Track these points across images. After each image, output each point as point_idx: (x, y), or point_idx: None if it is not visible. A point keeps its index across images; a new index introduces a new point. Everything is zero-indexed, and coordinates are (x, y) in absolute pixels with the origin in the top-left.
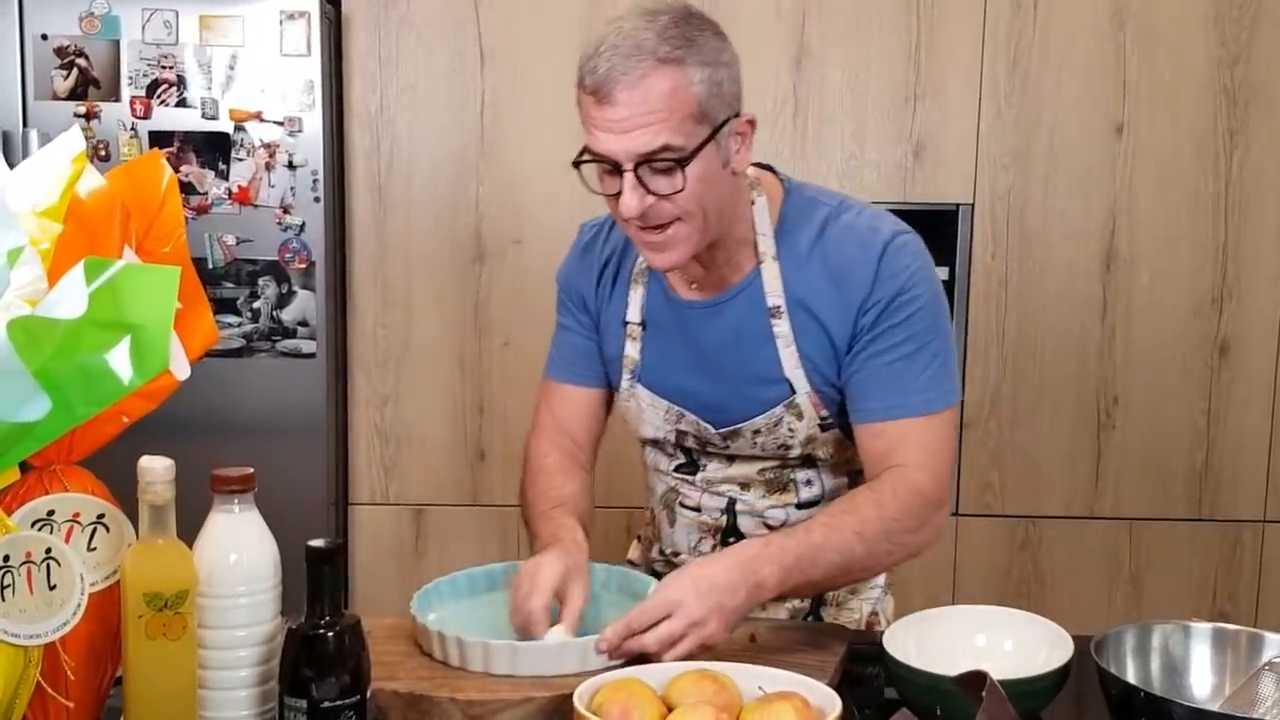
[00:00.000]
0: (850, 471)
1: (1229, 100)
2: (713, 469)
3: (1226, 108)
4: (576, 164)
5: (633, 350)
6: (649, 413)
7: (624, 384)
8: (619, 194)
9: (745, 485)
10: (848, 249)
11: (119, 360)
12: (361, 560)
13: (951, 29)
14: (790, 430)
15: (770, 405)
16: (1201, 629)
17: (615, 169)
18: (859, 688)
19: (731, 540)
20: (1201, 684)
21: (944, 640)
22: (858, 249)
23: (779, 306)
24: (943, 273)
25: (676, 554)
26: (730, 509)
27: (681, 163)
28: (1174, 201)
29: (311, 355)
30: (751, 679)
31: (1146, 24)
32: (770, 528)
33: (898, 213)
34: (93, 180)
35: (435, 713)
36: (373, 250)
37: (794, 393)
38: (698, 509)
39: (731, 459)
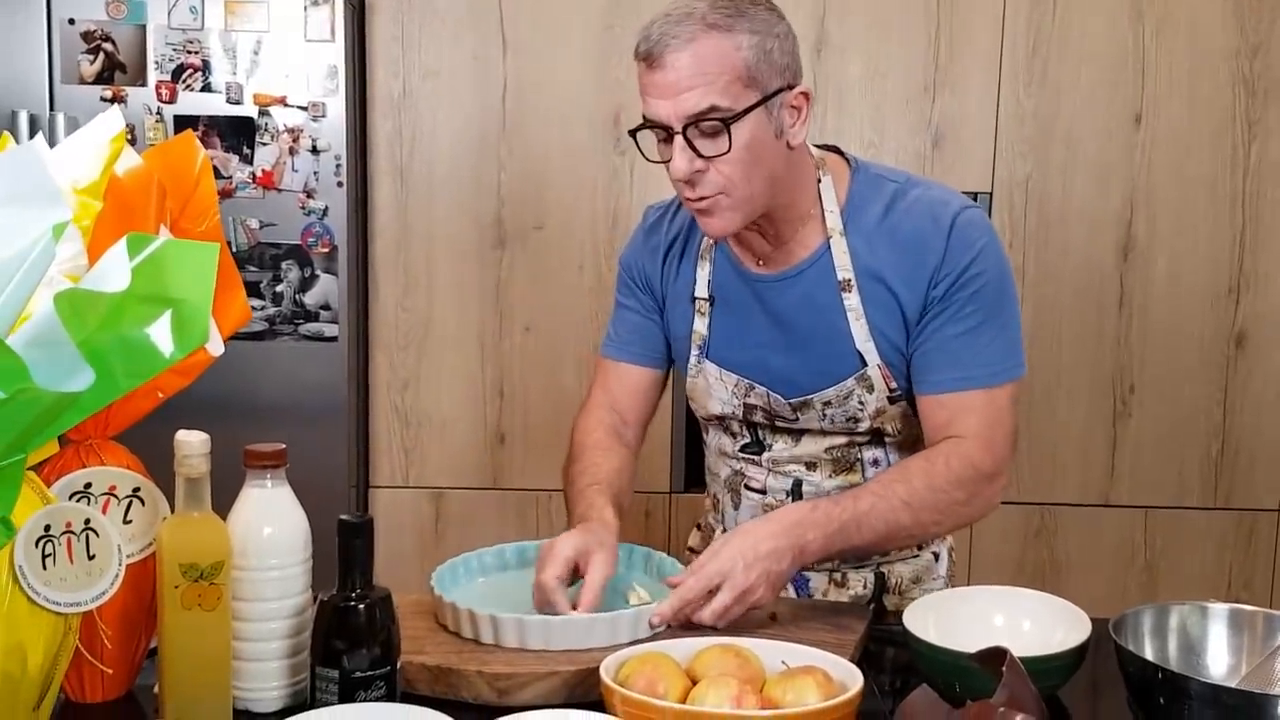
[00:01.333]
0: (917, 450)
1: (1247, 90)
2: (779, 448)
3: (1245, 98)
4: (633, 132)
5: (701, 325)
6: (717, 387)
7: (692, 359)
8: (671, 160)
9: (812, 465)
10: (918, 221)
11: (160, 334)
12: (382, 543)
13: (971, 18)
14: (860, 403)
15: (842, 378)
16: (1218, 610)
17: (668, 135)
18: (880, 664)
19: None
20: (1218, 664)
21: (963, 620)
22: (928, 221)
23: (849, 280)
24: None
25: None
26: (796, 490)
27: (728, 123)
28: (1191, 191)
29: (334, 339)
30: (774, 654)
31: (1165, 13)
32: None
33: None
34: (130, 160)
35: (463, 685)
36: (394, 235)
37: (865, 365)
38: (763, 491)
39: (798, 436)
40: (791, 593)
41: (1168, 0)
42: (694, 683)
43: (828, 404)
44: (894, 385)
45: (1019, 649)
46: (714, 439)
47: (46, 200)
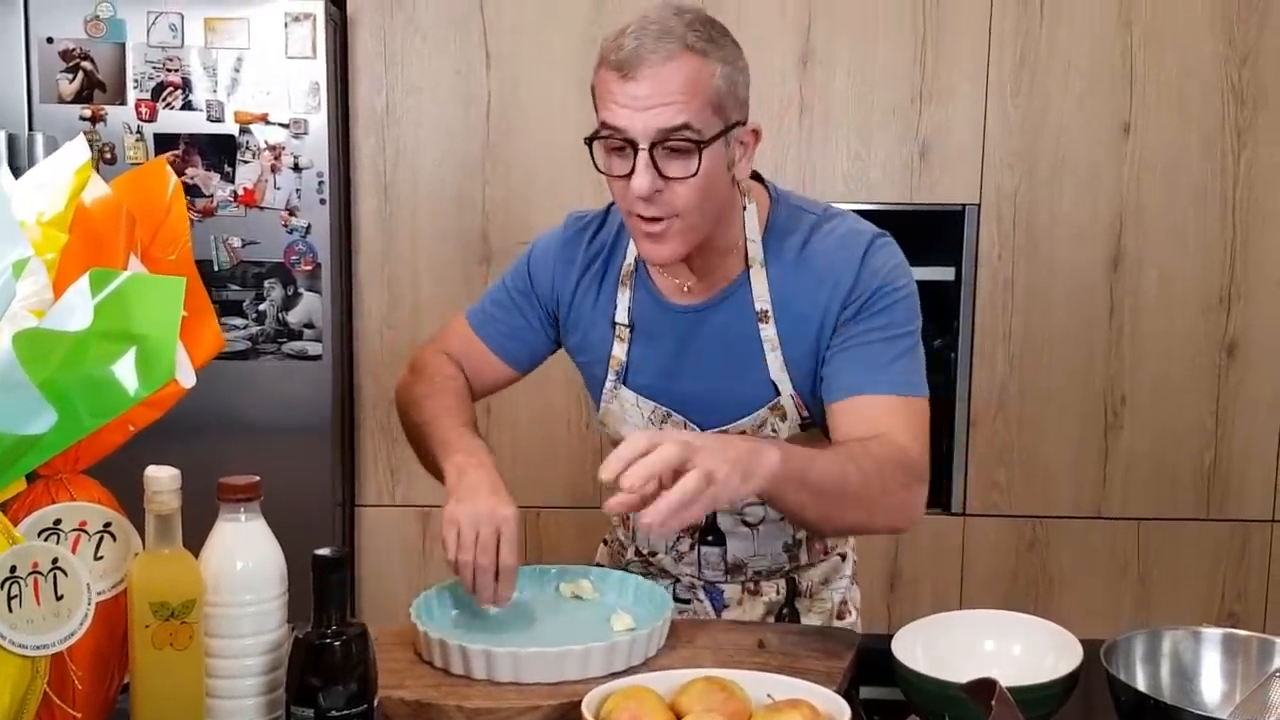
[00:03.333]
0: None
1: (1236, 99)
2: None
3: (1234, 107)
4: (589, 140)
5: (620, 351)
6: (632, 413)
7: (608, 384)
8: (628, 175)
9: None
10: (832, 252)
11: (125, 371)
12: (369, 562)
13: (957, 29)
14: (774, 430)
15: (756, 407)
16: (1212, 635)
17: (629, 147)
18: (867, 691)
19: (710, 539)
20: (1212, 690)
21: (952, 645)
22: (842, 251)
23: (766, 311)
24: (948, 273)
25: (654, 554)
26: (710, 515)
27: (699, 146)
28: (1181, 201)
29: (318, 357)
30: (760, 686)
31: (1153, 23)
32: (748, 525)
33: (904, 214)
34: (98, 189)
35: None
36: (378, 252)
37: (778, 395)
38: None
39: None
40: (707, 605)
41: (1156, 9)
42: (678, 717)
43: (742, 433)
44: (805, 414)
45: (1009, 676)
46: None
47: (5, 237)
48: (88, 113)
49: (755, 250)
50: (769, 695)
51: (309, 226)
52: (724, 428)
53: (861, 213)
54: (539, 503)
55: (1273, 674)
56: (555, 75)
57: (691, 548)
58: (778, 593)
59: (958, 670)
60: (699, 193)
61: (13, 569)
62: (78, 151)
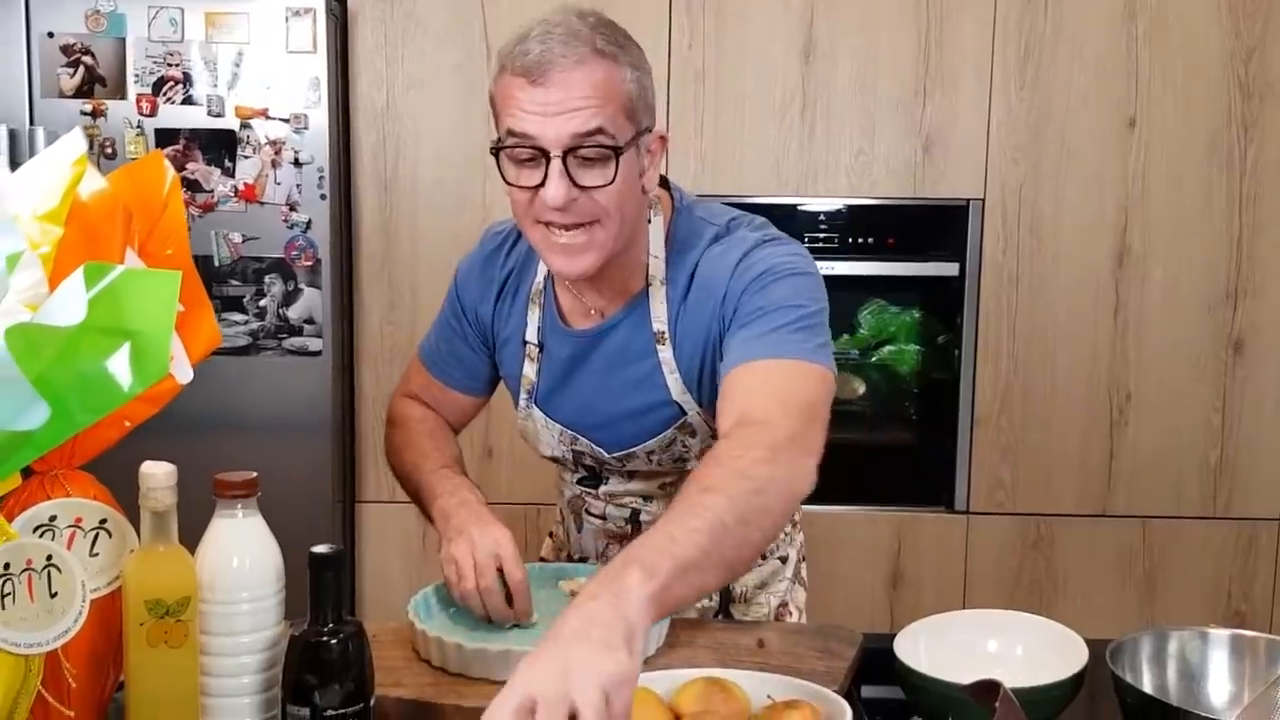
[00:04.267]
0: None
1: (1242, 93)
2: (614, 483)
3: (1240, 100)
4: (495, 150)
5: (530, 371)
6: (544, 434)
7: (522, 403)
8: (538, 186)
9: (647, 497)
10: (714, 267)
11: (119, 367)
12: (369, 558)
13: (962, 22)
14: (684, 446)
15: (662, 428)
16: (1219, 635)
17: (540, 156)
18: (869, 692)
19: None
20: (1219, 692)
21: (955, 646)
22: (720, 262)
23: (663, 332)
24: (952, 269)
25: (585, 558)
26: (634, 518)
27: (616, 152)
28: (1187, 196)
29: (318, 353)
30: (760, 686)
31: (1159, 16)
32: None
33: (907, 208)
34: (94, 182)
35: None
36: (379, 247)
37: (685, 414)
38: (603, 517)
39: (631, 475)
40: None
41: (1161, 2)
42: (678, 718)
43: (651, 453)
44: (714, 426)
45: (1013, 676)
46: (555, 466)
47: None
48: (88, 107)
49: (656, 267)
50: (769, 696)
51: (309, 222)
52: (631, 449)
53: (865, 208)
54: (536, 499)
55: None
56: None
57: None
58: (710, 599)
59: (960, 671)
60: (616, 199)
61: (6, 566)
62: (74, 144)
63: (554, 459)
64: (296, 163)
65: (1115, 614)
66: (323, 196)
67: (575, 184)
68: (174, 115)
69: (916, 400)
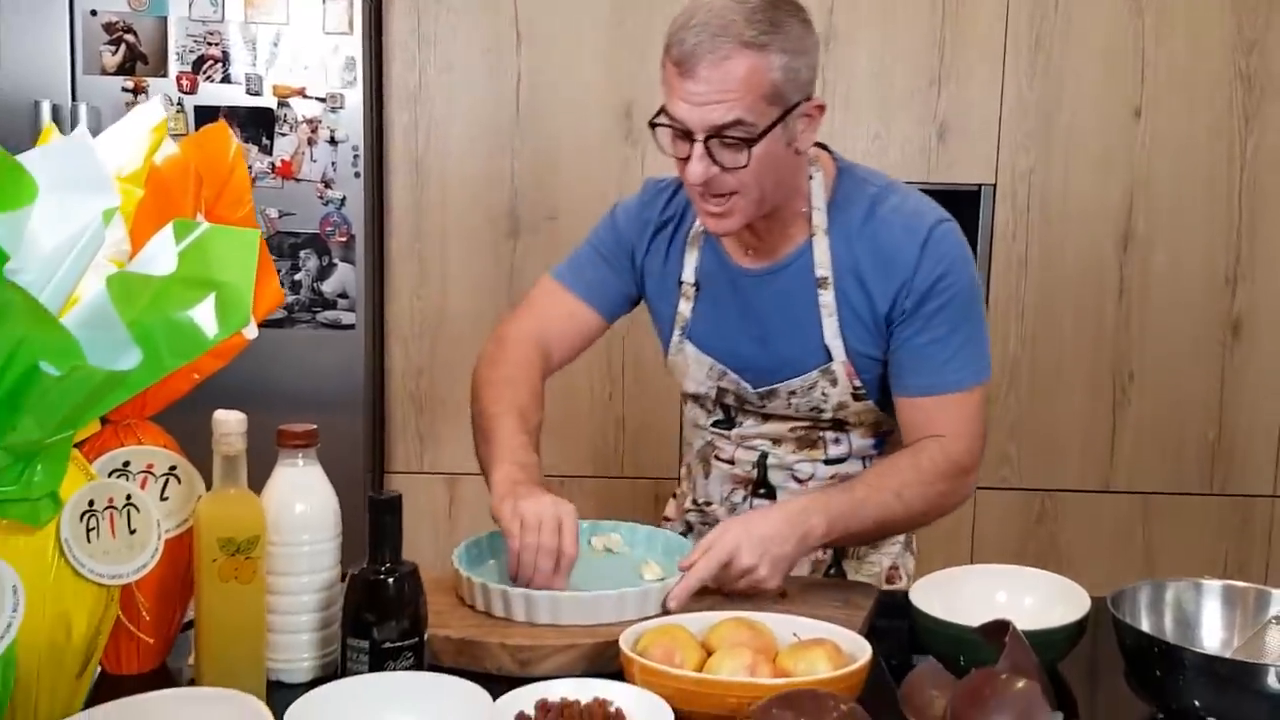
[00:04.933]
0: (879, 434)
1: (1245, 85)
2: (748, 425)
3: (1242, 92)
4: (653, 125)
5: (685, 309)
6: (694, 368)
7: (674, 339)
8: (687, 159)
9: (777, 441)
10: (894, 232)
11: (204, 315)
12: None
13: (975, 14)
14: (824, 394)
15: (807, 370)
16: (1212, 586)
17: (687, 136)
18: (886, 640)
19: (762, 492)
20: (1212, 638)
21: (967, 597)
22: (904, 233)
23: (826, 278)
24: None
25: (709, 504)
26: (762, 463)
27: (749, 142)
28: (1190, 183)
29: (351, 326)
30: (786, 627)
31: (1165, 9)
32: (799, 480)
33: (922, 192)
34: (167, 149)
35: (486, 657)
36: (410, 225)
37: (830, 360)
38: (731, 462)
39: (766, 418)
40: None
41: None
42: (709, 654)
43: (793, 393)
44: (857, 383)
45: (1020, 623)
46: (690, 412)
47: (96, 187)
48: (130, 85)
49: (819, 219)
50: (794, 634)
51: (344, 199)
52: (774, 387)
53: None
54: (563, 472)
55: (1269, 620)
56: (584, 54)
57: (745, 500)
58: (825, 552)
59: (972, 619)
60: (755, 176)
61: (90, 503)
62: (153, 112)
63: (695, 397)
64: (332, 141)
65: (1115, 586)
66: (357, 175)
67: (715, 162)
68: (213, 93)
69: None
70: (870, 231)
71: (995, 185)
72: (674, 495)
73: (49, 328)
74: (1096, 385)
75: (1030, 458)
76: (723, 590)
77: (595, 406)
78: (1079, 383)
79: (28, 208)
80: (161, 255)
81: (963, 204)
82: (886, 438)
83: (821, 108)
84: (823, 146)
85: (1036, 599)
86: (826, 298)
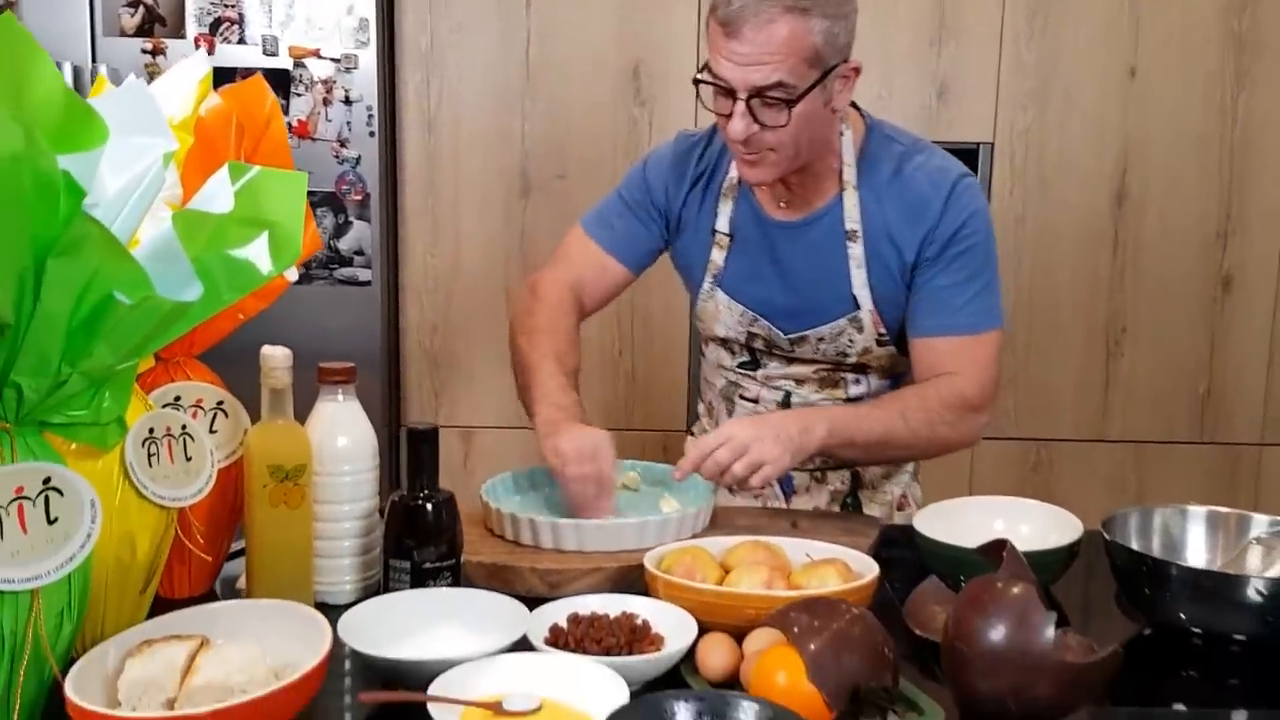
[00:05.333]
0: (895, 376)
1: (1236, 45)
2: (773, 367)
3: (1234, 52)
4: (697, 82)
5: (718, 257)
6: (725, 314)
7: (705, 286)
8: (729, 115)
9: (800, 381)
10: (921, 186)
11: (259, 253)
12: None
13: None
14: (850, 340)
15: (836, 317)
16: (1198, 511)
17: (730, 94)
18: (890, 568)
19: None
20: (1196, 558)
21: (966, 525)
22: (930, 187)
23: (855, 231)
24: None
25: None
26: (786, 402)
27: (790, 102)
28: (1183, 142)
29: (367, 283)
30: (799, 549)
31: None
32: None
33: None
34: (210, 100)
35: (517, 580)
36: (423, 184)
37: (858, 308)
38: (756, 400)
39: (790, 360)
40: (777, 488)
41: None
42: (727, 573)
43: (821, 339)
44: (882, 331)
45: (1017, 547)
46: (713, 354)
47: (156, 131)
48: (149, 46)
49: (850, 174)
50: (807, 555)
51: (359, 158)
52: (804, 333)
53: None
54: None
55: (1249, 541)
56: (593, 15)
57: None
58: (842, 483)
59: (971, 544)
60: (791, 135)
61: (151, 431)
62: (200, 64)
63: (724, 340)
64: (347, 101)
65: None
66: (371, 134)
67: (756, 120)
68: (230, 54)
69: None
70: (898, 187)
71: (993, 144)
72: (691, 433)
73: (122, 259)
74: (1091, 338)
75: (1026, 409)
76: (727, 482)
77: (605, 361)
78: (1074, 336)
79: (100, 149)
80: (220, 195)
81: (962, 162)
82: (900, 380)
83: (858, 70)
84: (853, 105)
85: (1032, 527)
86: (855, 250)
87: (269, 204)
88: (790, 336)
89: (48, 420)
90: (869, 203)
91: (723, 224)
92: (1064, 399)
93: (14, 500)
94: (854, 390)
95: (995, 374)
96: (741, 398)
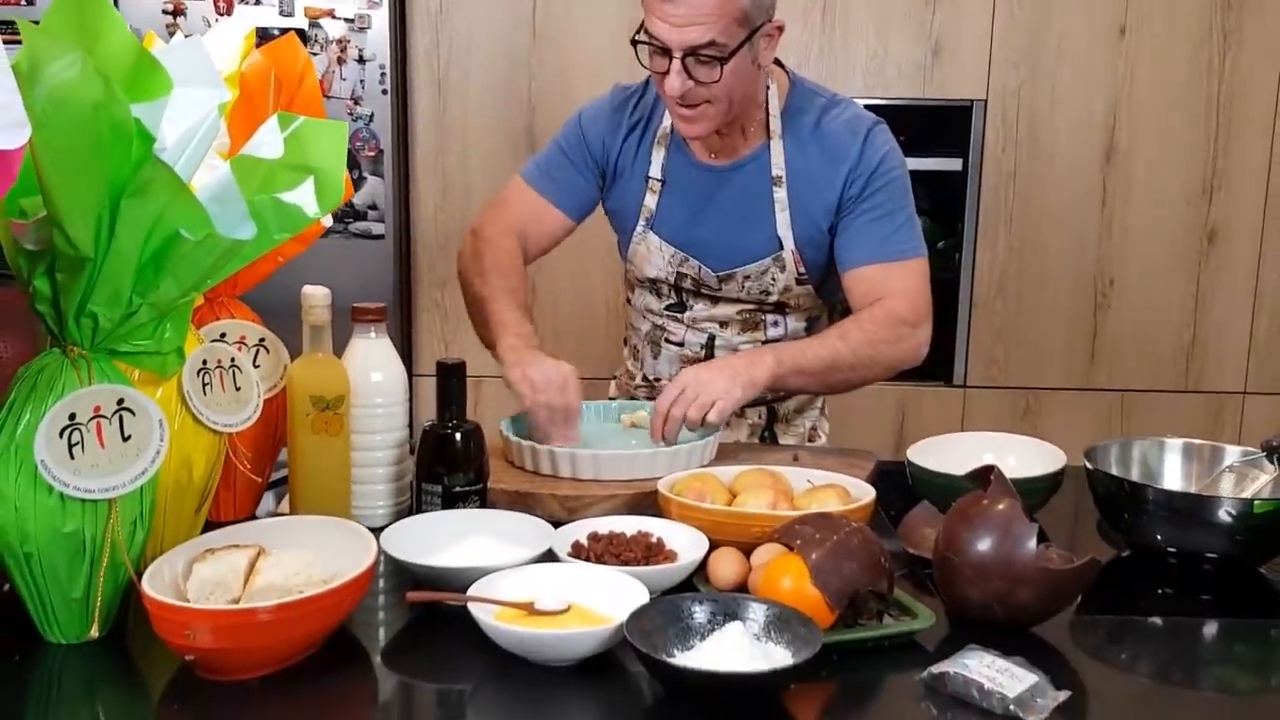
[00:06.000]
0: (810, 320)
1: (1224, 4)
2: (699, 309)
3: (1221, 11)
4: (634, 42)
5: (650, 201)
6: (656, 256)
7: (638, 229)
8: (665, 73)
9: (724, 324)
10: (840, 133)
11: (305, 196)
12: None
13: None
14: (773, 279)
15: (761, 257)
16: (1174, 443)
17: (665, 53)
18: (885, 499)
19: None
20: (1173, 484)
21: (956, 456)
22: (848, 133)
23: (780, 177)
24: (956, 164)
25: (658, 379)
26: (710, 344)
27: (722, 60)
28: (1170, 99)
29: (381, 236)
30: (801, 476)
31: None
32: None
33: (917, 109)
34: (253, 57)
35: (538, 505)
36: (433, 142)
37: (781, 248)
38: (681, 344)
39: (715, 302)
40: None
41: None
42: (734, 497)
43: (747, 277)
44: (802, 270)
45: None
46: (640, 299)
47: (211, 83)
48: (170, 7)
49: (775, 124)
50: (808, 481)
51: (372, 115)
52: (732, 271)
53: (877, 107)
54: (586, 375)
55: (1223, 469)
56: None
57: None
58: (759, 417)
59: (961, 473)
60: (724, 89)
61: (204, 362)
62: (244, 22)
63: (653, 283)
64: (360, 60)
65: None
66: (384, 92)
67: (691, 77)
68: (249, 15)
69: None
70: (819, 136)
71: (986, 101)
72: (614, 378)
73: (187, 200)
74: (1079, 290)
75: (1016, 358)
76: (691, 428)
77: (610, 315)
78: (1063, 288)
79: (165, 98)
80: (270, 142)
81: (955, 119)
82: (815, 324)
83: (781, 28)
84: (778, 62)
85: (1019, 459)
86: (780, 194)
87: (314, 151)
88: (719, 274)
89: (116, 349)
90: (793, 151)
91: (656, 170)
92: (1053, 349)
93: (93, 418)
94: (772, 332)
95: (926, 297)
96: (667, 341)
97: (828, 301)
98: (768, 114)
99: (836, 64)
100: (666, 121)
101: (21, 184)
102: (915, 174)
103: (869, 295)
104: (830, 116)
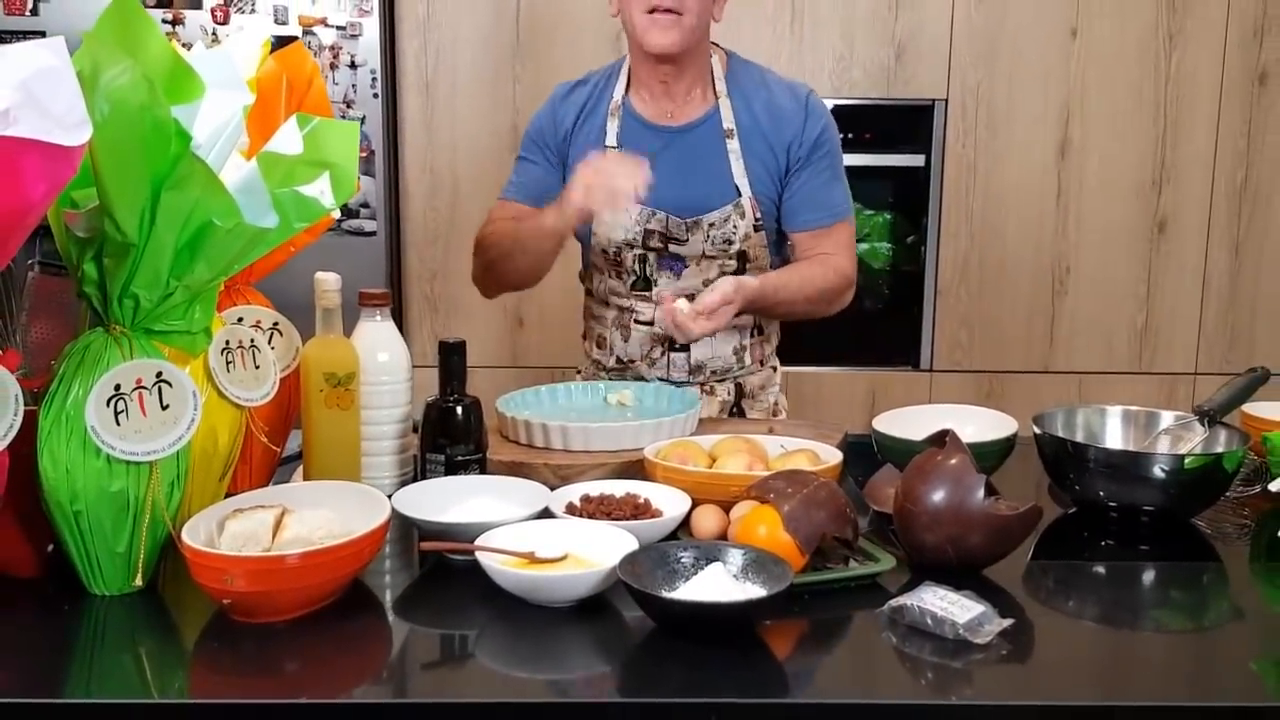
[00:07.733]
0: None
1: (1170, 7)
2: (664, 283)
3: (1167, 14)
4: None
5: None
6: (622, 216)
7: None
8: None
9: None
10: (783, 95)
11: (322, 189)
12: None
13: None
14: (734, 227)
15: (723, 204)
16: (1114, 410)
17: None
18: (852, 467)
19: (677, 347)
20: (1113, 445)
21: (918, 427)
22: (790, 97)
23: (732, 130)
24: (919, 160)
25: (632, 361)
26: None
27: None
28: (1120, 96)
29: (373, 233)
30: (775, 444)
31: None
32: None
33: (881, 108)
34: (267, 63)
35: (533, 474)
36: (422, 143)
37: (739, 195)
38: (650, 323)
39: (680, 272)
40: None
41: None
42: (714, 461)
43: (712, 225)
44: (758, 215)
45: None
46: (603, 286)
47: (235, 86)
48: (168, 17)
49: (721, 86)
50: (782, 446)
51: (364, 118)
52: (698, 218)
53: (844, 107)
54: (567, 364)
55: (1159, 432)
56: None
57: (663, 354)
58: (728, 394)
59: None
60: (696, 2)
61: (227, 342)
62: (260, 32)
63: (617, 261)
64: (352, 65)
65: None
66: (375, 95)
67: None
68: (244, 24)
69: (889, 280)
70: (764, 96)
71: (947, 100)
72: (578, 371)
73: (219, 192)
74: (1037, 278)
75: (979, 343)
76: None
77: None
78: (1022, 276)
79: (199, 101)
80: (291, 139)
81: (918, 117)
82: None
83: None
84: (713, 43)
85: (976, 427)
86: (734, 145)
87: (329, 148)
88: (686, 221)
89: (152, 328)
90: (740, 107)
91: (611, 139)
92: (1013, 334)
93: (135, 389)
94: None
95: (855, 251)
96: (636, 322)
97: (778, 258)
98: (714, 76)
99: (805, 66)
100: (619, 94)
101: (77, 178)
102: (880, 170)
103: (815, 249)
104: (771, 79)
